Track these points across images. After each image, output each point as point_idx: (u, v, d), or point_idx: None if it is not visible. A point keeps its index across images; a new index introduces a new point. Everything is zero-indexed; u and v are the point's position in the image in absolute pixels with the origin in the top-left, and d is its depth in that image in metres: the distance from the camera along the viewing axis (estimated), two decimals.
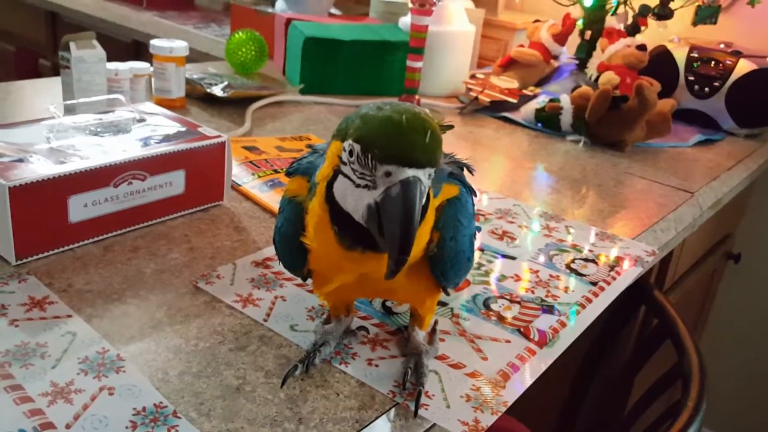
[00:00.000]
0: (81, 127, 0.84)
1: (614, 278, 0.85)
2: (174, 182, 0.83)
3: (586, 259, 0.89)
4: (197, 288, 0.71)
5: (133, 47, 2.13)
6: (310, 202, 0.57)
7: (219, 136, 0.87)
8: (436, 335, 0.68)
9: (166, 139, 0.84)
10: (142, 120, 0.89)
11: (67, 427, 0.51)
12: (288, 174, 0.63)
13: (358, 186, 0.51)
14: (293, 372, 0.60)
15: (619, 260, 0.90)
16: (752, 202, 1.77)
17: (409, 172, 0.48)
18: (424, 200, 0.50)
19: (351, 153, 0.50)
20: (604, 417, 1.25)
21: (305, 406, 0.57)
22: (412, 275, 0.59)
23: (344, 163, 0.51)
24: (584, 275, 0.85)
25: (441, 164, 0.52)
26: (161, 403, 0.55)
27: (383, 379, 0.62)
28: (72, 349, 0.60)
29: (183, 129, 0.88)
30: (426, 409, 0.59)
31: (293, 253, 0.60)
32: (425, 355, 0.64)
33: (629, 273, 0.87)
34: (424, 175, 0.49)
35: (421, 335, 0.66)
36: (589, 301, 0.80)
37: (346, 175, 0.51)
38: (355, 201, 0.51)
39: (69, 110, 1.06)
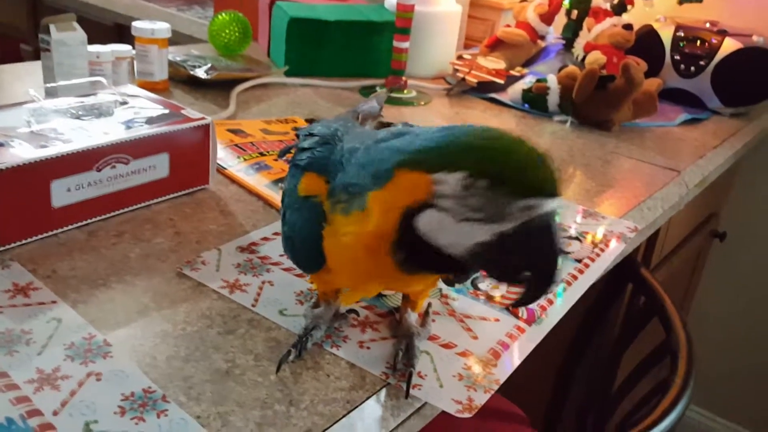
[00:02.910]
0: (62, 110, 0.83)
1: (599, 255, 0.86)
2: (158, 166, 0.82)
3: (570, 237, 0.89)
4: (183, 273, 0.71)
5: (116, 30, 2.10)
6: (338, 215, 0.54)
7: (203, 119, 0.86)
8: (429, 317, 0.68)
9: (149, 121, 0.83)
10: (124, 103, 0.87)
11: (55, 413, 0.51)
12: (296, 165, 0.60)
13: (463, 220, 0.48)
14: (287, 358, 0.59)
15: (603, 238, 0.90)
16: (737, 180, 1.78)
17: (552, 204, 0.47)
18: None
19: (467, 187, 0.47)
20: (594, 394, 1.25)
21: (296, 388, 0.57)
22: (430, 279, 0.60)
23: (442, 197, 0.48)
24: (569, 253, 0.85)
25: None
26: (150, 387, 0.54)
27: (375, 361, 0.61)
28: (57, 336, 0.59)
29: (166, 111, 0.86)
30: (419, 389, 0.59)
31: (313, 256, 0.58)
32: (416, 337, 0.63)
33: (613, 250, 0.88)
34: (558, 207, 0.48)
35: (413, 317, 0.66)
36: (575, 278, 0.80)
37: (443, 209, 0.48)
38: (456, 236, 0.49)
39: (50, 94, 1.05)
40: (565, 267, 0.82)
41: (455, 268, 0.53)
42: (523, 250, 0.48)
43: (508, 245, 0.48)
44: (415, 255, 0.51)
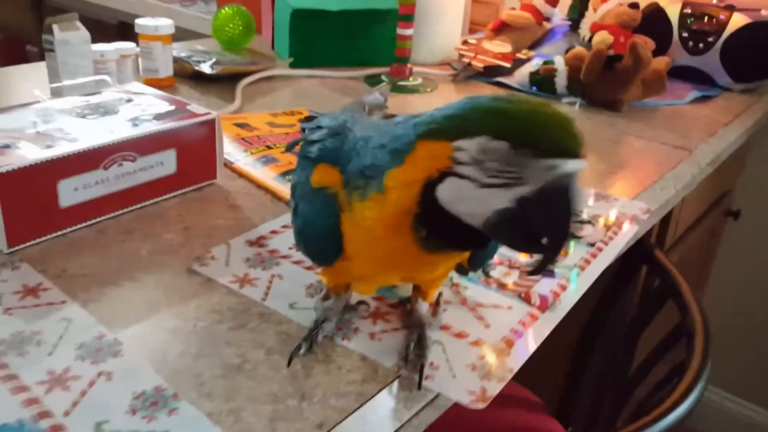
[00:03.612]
0: (67, 110, 0.83)
1: (611, 238, 0.85)
2: (165, 162, 0.82)
3: (582, 221, 0.88)
4: (193, 269, 0.70)
5: (120, 29, 2.10)
6: (356, 201, 0.53)
7: (208, 113, 0.85)
8: (440, 307, 0.67)
9: (155, 118, 0.82)
10: (129, 100, 0.87)
11: (66, 414, 0.51)
12: (307, 157, 0.60)
13: (484, 186, 0.47)
14: (297, 352, 0.59)
15: (616, 220, 0.89)
16: (750, 157, 1.76)
17: (574, 165, 0.46)
18: None
19: (487, 151, 0.46)
20: (609, 379, 1.25)
21: (307, 382, 0.56)
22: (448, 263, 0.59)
23: (463, 164, 0.48)
24: (581, 237, 0.84)
25: None
26: (161, 385, 0.54)
27: (386, 352, 0.61)
28: (68, 336, 0.59)
29: (172, 108, 0.86)
30: (432, 380, 0.58)
31: (328, 247, 0.57)
32: (428, 327, 0.63)
33: (626, 232, 0.87)
34: (581, 167, 0.47)
35: (424, 307, 0.65)
36: (588, 262, 0.79)
37: (464, 176, 0.48)
38: (476, 203, 0.48)
39: (55, 94, 1.05)
40: (578, 251, 0.81)
41: (476, 243, 0.53)
42: (542, 215, 0.47)
43: (529, 210, 0.47)
44: (437, 230, 0.51)
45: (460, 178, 0.48)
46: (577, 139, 0.47)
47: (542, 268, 0.50)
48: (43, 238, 0.73)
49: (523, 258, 0.78)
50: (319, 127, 0.61)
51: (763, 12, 1.46)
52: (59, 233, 0.74)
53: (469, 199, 0.48)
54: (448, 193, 0.49)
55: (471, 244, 0.54)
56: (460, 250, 0.57)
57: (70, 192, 0.74)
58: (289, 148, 0.70)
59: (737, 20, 1.45)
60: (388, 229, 0.52)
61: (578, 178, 0.46)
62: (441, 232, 0.51)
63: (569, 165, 0.46)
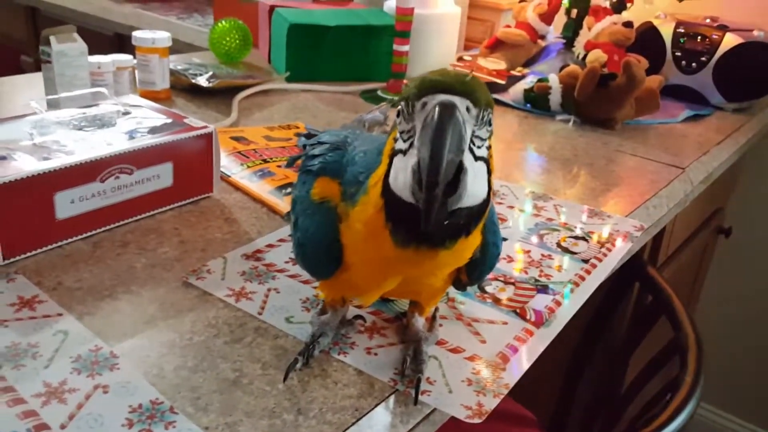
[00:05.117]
0: (64, 122, 0.83)
1: (605, 255, 0.85)
2: (162, 175, 0.82)
3: (576, 237, 0.88)
4: (189, 282, 0.70)
5: (117, 40, 2.10)
6: (350, 208, 0.54)
7: (206, 127, 0.85)
8: (436, 322, 0.68)
9: (152, 131, 0.83)
10: (126, 113, 0.87)
11: (62, 427, 0.50)
12: (308, 171, 0.60)
13: (405, 153, 0.48)
14: (294, 366, 0.59)
15: (609, 237, 0.89)
16: (742, 175, 1.78)
17: (442, 96, 0.47)
18: (466, 135, 0.47)
19: (399, 114, 0.49)
20: (603, 395, 1.25)
21: (304, 397, 0.56)
22: (447, 276, 0.59)
23: (396, 140, 0.50)
24: (576, 253, 0.84)
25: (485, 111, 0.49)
26: (157, 399, 0.54)
27: (383, 367, 0.61)
28: (64, 348, 0.59)
29: (169, 121, 0.86)
30: (428, 395, 0.58)
31: (326, 261, 0.57)
32: (424, 342, 0.63)
33: (620, 249, 0.87)
34: (461, 104, 0.47)
35: (420, 322, 0.65)
36: (582, 278, 0.79)
37: (398, 151, 0.49)
38: (404, 175, 0.48)
39: (52, 105, 1.05)
40: (572, 267, 0.81)
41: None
42: (419, 154, 0.46)
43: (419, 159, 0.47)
44: (398, 219, 0.50)
45: (396, 154, 0.50)
46: (451, 77, 0.48)
47: (425, 222, 0.47)
48: (40, 250, 0.73)
49: (517, 273, 0.79)
50: (321, 143, 0.62)
51: (755, 32, 1.48)
52: (55, 245, 0.74)
53: (400, 170, 0.49)
54: (392, 176, 0.50)
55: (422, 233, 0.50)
56: (423, 244, 0.52)
57: (67, 204, 0.74)
58: (290, 164, 0.70)
59: (730, 40, 1.47)
60: (371, 231, 0.52)
61: (448, 107, 0.46)
62: (400, 220, 0.50)
63: (435, 98, 0.47)
